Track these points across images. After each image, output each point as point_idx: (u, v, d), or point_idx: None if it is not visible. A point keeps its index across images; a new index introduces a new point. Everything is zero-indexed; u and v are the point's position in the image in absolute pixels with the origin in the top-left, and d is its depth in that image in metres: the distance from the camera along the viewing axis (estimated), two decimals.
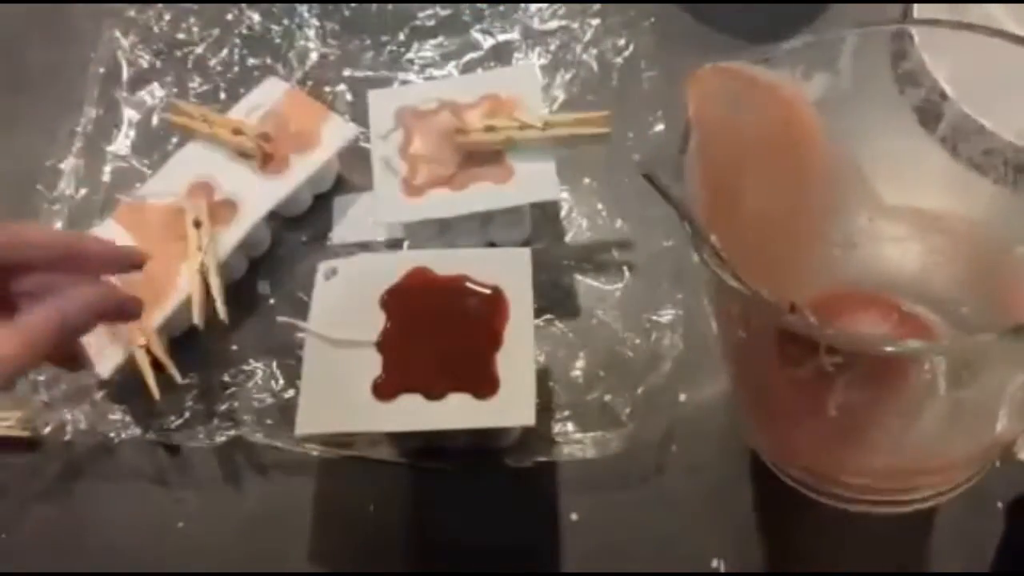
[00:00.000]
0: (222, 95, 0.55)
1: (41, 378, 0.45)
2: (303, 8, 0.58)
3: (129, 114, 0.55)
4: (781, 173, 0.34)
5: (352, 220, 0.50)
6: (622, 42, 0.54)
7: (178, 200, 0.47)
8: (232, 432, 0.43)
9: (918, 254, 0.38)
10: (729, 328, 0.34)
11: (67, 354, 0.35)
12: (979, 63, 0.32)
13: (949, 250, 0.37)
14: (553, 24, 0.56)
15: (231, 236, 0.46)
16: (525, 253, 0.41)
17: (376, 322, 0.40)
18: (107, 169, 0.53)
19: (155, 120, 0.54)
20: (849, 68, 0.33)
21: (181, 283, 0.44)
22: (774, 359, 0.31)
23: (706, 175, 0.31)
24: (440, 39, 0.56)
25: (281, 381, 0.45)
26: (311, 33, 0.57)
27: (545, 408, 0.43)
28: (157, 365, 0.43)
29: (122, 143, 0.54)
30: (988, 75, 0.33)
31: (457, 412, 0.37)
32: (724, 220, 0.30)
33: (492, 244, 0.47)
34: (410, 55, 0.56)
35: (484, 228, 0.47)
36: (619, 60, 0.54)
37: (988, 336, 0.25)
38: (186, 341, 0.46)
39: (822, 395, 0.30)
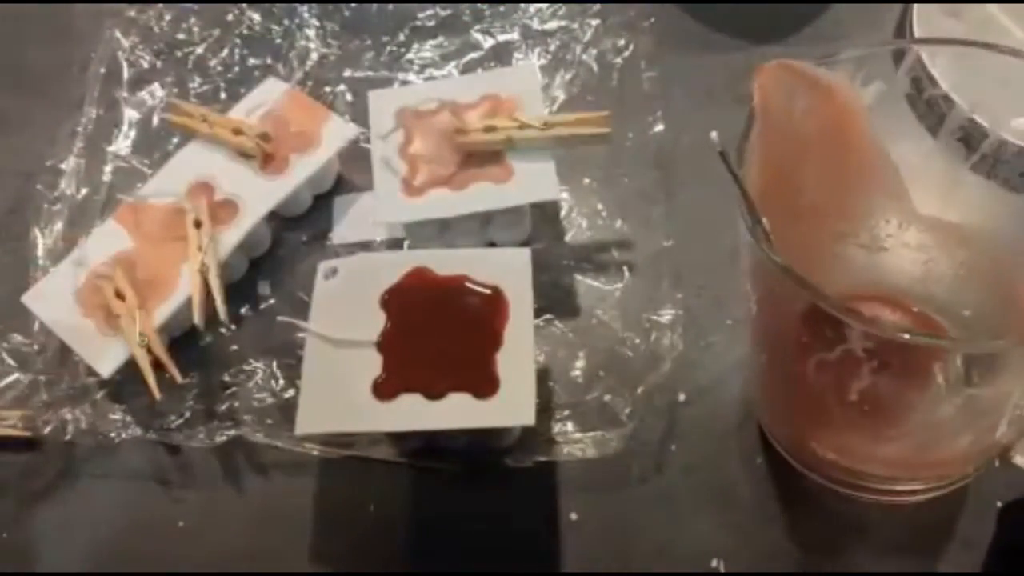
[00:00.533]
0: (222, 95, 0.55)
1: (42, 378, 0.45)
2: (303, 8, 0.58)
3: (130, 114, 0.55)
4: (827, 171, 0.35)
5: (352, 220, 0.50)
6: (622, 42, 0.55)
7: (179, 200, 0.47)
8: (232, 432, 0.43)
9: (941, 264, 0.39)
10: (766, 310, 0.34)
11: None
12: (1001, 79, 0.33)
13: (973, 264, 0.38)
14: (553, 24, 0.56)
15: (231, 236, 0.46)
16: (525, 253, 0.41)
17: (376, 322, 0.40)
18: (108, 169, 0.53)
19: (155, 120, 0.55)
20: (905, 80, 0.34)
21: (181, 283, 0.44)
22: (805, 340, 0.32)
23: (763, 162, 0.31)
24: (440, 39, 0.56)
25: (281, 381, 0.45)
26: (311, 33, 0.57)
27: (545, 408, 0.43)
28: (157, 365, 0.43)
29: (123, 143, 0.54)
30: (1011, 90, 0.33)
31: (457, 412, 0.37)
32: (772, 205, 0.31)
33: (492, 244, 0.47)
34: (410, 55, 0.56)
35: (484, 228, 0.47)
36: (619, 60, 0.54)
37: (1012, 340, 0.26)
38: (186, 341, 0.46)
39: (846, 380, 0.30)
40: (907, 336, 0.27)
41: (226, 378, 0.45)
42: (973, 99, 0.35)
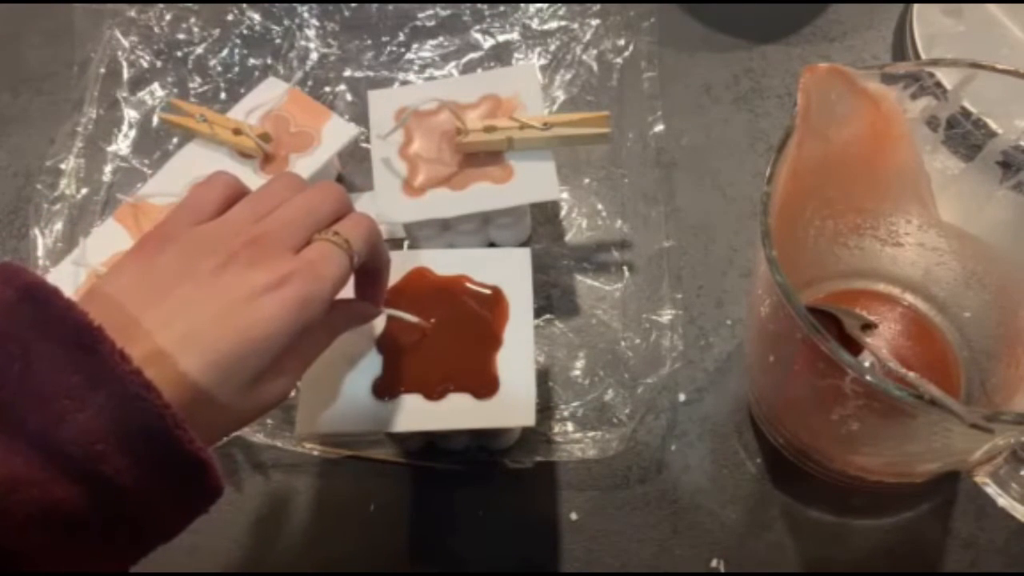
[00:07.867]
0: (222, 95, 0.55)
1: None
2: (303, 8, 0.58)
3: (129, 114, 0.55)
4: (858, 175, 0.36)
5: None
6: (622, 42, 0.55)
7: (179, 200, 0.47)
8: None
9: (953, 269, 0.40)
10: (770, 319, 0.34)
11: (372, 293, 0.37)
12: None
13: (984, 275, 0.39)
14: (553, 24, 0.56)
15: None
16: (525, 253, 0.41)
17: (376, 322, 0.40)
18: (108, 169, 0.53)
19: (155, 120, 0.55)
20: (956, 99, 0.34)
21: None
22: (801, 362, 0.32)
23: (793, 165, 0.31)
24: (440, 39, 0.56)
25: None
26: (311, 33, 0.57)
27: (545, 408, 0.43)
28: None
29: (122, 143, 0.54)
30: None
31: (457, 412, 0.37)
32: (794, 205, 0.31)
33: (492, 244, 0.47)
34: (410, 55, 0.56)
35: (484, 228, 0.47)
36: (619, 60, 0.54)
37: (1008, 415, 0.26)
38: None
39: (831, 402, 0.30)
40: (898, 393, 0.26)
41: None
42: (1017, 125, 0.35)
